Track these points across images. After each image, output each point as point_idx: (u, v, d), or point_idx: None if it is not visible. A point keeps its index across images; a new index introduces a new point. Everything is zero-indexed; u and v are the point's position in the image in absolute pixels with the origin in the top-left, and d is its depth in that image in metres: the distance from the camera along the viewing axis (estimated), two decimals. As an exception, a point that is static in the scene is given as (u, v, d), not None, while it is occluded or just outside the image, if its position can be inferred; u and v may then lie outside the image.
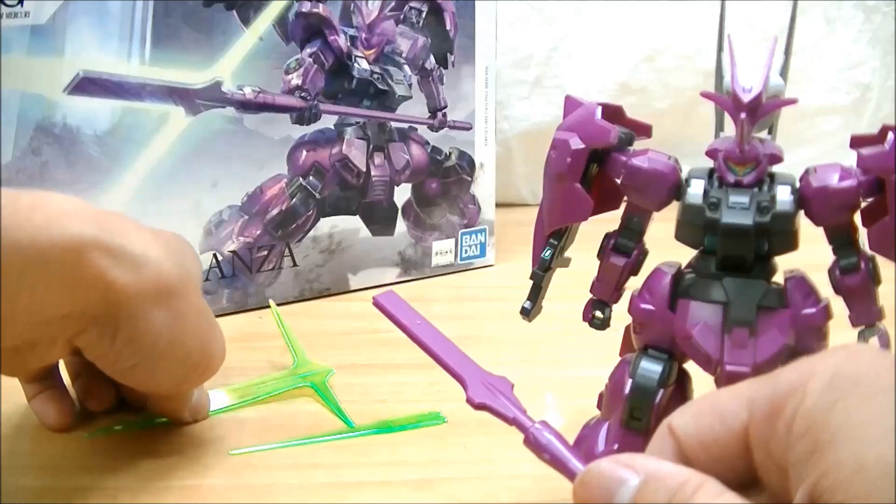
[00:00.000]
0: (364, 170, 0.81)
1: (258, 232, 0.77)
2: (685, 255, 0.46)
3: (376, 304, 0.46)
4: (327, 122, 0.79)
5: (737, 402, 0.35)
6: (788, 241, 0.44)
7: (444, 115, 0.84)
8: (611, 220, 0.47)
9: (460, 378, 0.45)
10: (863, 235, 0.45)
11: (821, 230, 0.45)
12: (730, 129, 0.44)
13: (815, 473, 0.31)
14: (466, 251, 0.87)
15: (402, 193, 0.83)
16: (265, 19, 0.75)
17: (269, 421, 0.59)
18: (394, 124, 0.82)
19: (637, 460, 0.34)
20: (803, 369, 0.33)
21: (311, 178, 0.79)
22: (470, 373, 0.45)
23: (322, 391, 0.62)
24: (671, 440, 0.36)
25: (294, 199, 0.78)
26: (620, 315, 0.47)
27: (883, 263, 0.45)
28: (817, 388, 0.32)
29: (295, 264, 0.79)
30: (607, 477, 0.34)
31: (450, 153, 0.85)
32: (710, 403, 0.36)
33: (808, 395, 0.32)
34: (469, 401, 0.44)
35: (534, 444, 0.42)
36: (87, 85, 0.69)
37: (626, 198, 0.47)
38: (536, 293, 0.49)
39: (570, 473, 0.40)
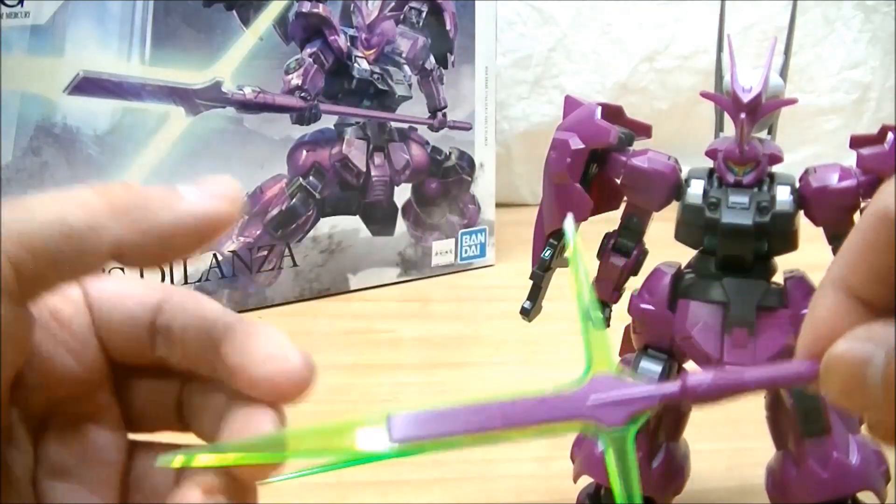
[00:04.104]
0: (364, 170, 0.81)
1: (258, 232, 0.77)
2: (685, 255, 0.46)
3: (399, 440, 0.29)
4: (327, 122, 0.79)
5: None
6: (788, 241, 0.44)
7: (444, 115, 0.84)
8: (611, 220, 0.47)
9: (570, 419, 0.30)
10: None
11: (821, 230, 0.45)
12: (730, 129, 0.44)
13: None
14: (466, 251, 0.87)
15: (402, 193, 0.83)
16: (265, 19, 0.75)
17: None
18: (394, 124, 0.82)
19: (874, 330, 0.28)
20: None
21: (311, 178, 0.79)
22: (570, 408, 0.30)
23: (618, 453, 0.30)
24: (890, 227, 0.28)
25: (294, 199, 0.78)
26: (620, 315, 0.47)
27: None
28: None
29: (295, 264, 0.79)
30: (849, 362, 0.28)
31: (450, 153, 0.85)
32: (855, 242, 0.29)
33: None
34: (612, 423, 0.30)
35: (708, 390, 0.30)
36: (87, 85, 0.69)
37: (626, 198, 0.47)
38: (536, 293, 0.49)
39: (788, 377, 0.31)
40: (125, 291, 0.32)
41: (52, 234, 0.27)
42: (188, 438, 0.32)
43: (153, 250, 0.28)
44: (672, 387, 0.30)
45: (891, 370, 0.27)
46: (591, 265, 0.48)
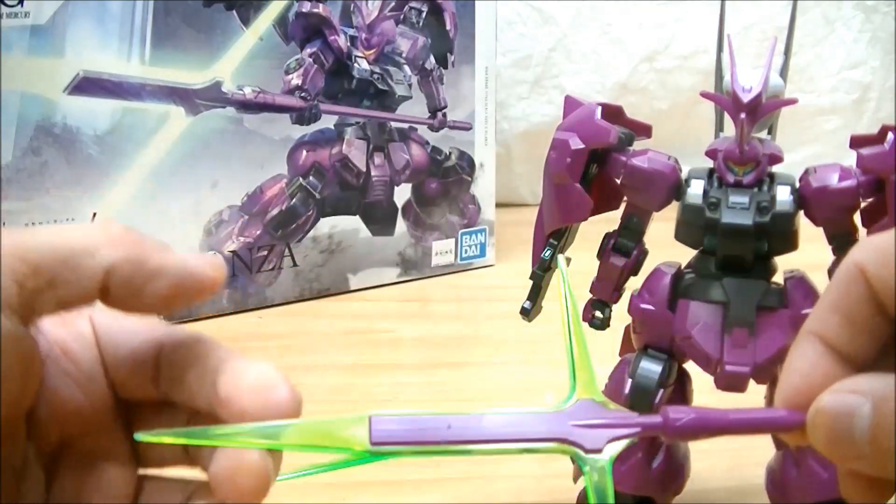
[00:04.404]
0: (364, 170, 0.81)
1: (258, 232, 0.77)
2: (685, 255, 0.46)
3: (377, 443, 0.30)
4: (327, 122, 0.79)
5: None
6: (788, 241, 0.44)
7: (444, 115, 0.84)
8: (611, 220, 0.47)
9: (551, 440, 0.31)
10: (863, 235, 0.45)
11: (821, 230, 0.45)
12: (730, 129, 0.44)
13: None
14: (466, 251, 0.87)
15: (402, 193, 0.83)
16: (265, 19, 0.75)
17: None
18: (394, 124, 0.82)
19: (859, 382, 0.29)
20: None
21: (311, 178, 0.79)
22: (552, 428, 0.31)
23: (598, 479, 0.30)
24: (862, 284, 0.29)
25: (294, 199, 0.78)
26: (620, 315, 0.47)
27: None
28: None
29: (295, 264, 0.79)
30: (836, 414, 0.29)
31: (450, 153, 0.85)
32: (830, 297, 0.30)
33: None
34: (592, 448, 0.31)
35: (689, 425, 0.30)
36: (87, 85, 0.69)
37: (626, 198, 0.47)
38: (536, 293, 0.49)
39: (771, 424, 0.31)
40: (131, 328, 0.33)
41: (52, 253, 0.28)
42: (196, 473, 0.32)
43: (138, 287, 0.29)
44: (654, 419, 0.30)
45: (878, 421, 0.28)
46: (592, 265, 0.48)
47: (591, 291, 0.48)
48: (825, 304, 0.31)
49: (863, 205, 0.44)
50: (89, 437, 0.32)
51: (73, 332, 0.32)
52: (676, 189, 0.45)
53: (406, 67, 0.82)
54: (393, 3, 0.80)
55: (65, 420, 0.31)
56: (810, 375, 0.30)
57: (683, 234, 0.45)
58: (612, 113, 0.46)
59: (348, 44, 0.78)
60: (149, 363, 0.32)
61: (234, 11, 0.73)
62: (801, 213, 0.44)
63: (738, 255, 0.43)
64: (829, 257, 0.45)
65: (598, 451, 0.30)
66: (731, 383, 0.44)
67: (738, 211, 0.43)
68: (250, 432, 0.29)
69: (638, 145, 0.46)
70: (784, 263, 0.45)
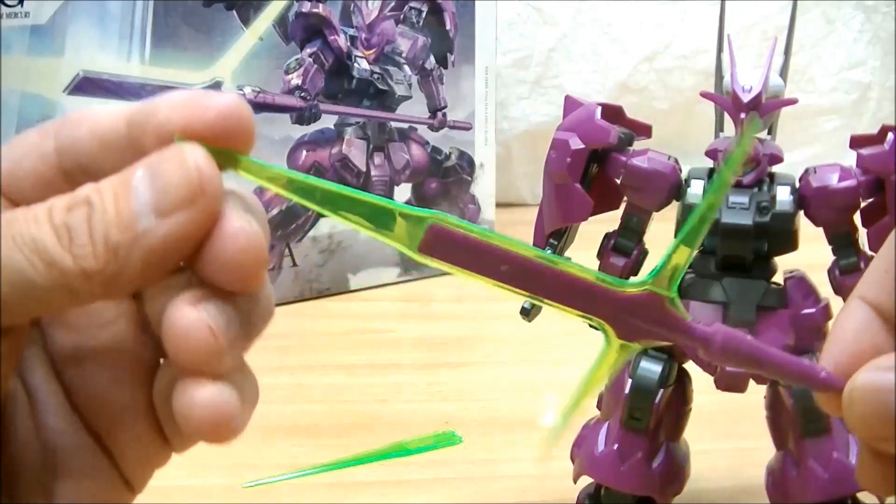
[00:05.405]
0: (364, 170, 0.81)
1: (258, 232, 0.77)
2: (685, 255, 0.46)
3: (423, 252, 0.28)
4: (327, 122, 0.79)
5: None
6: (788, 241, 0.44)
7: (444, 115, 0.84)
8: (611, 220, 0.47)
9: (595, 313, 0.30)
10: (863, 235, 0.45)
11: (821, 230, 0.45)
12: (730, 129, 0.44)
13: None
14: (466, 251, 0.87)
15: (402, 193, 0.83)
16: (265, 19, 0.75)
17: (267, 419, 0.59)
18: (394, 124, 0.82)
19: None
20: None
21: (311, 178, 0.79)
22: (605, 306, 0.30)
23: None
24: (864, 310, 0.30)
25: (294, 199, 0.78)
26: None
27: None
28: None
29: (295, 264, 0.79)
30: (872, 392, 0.29)
31: (450, 153, 0.85)
32: (881, 260, 0.31)
33: None
34: (623, 337, 0.30)
35: (734, 348, 0.30)
36: (87, 85, 0.69)
37: (625, 198, 0.47)
38: (536, 293, 0.49)
39: (808, 377, 0.30)
40: (21, 152, 0.30)
41: None
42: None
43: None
44: (707, 330, 0.30)
45: None
46: (592, 265, 0.48)
47: (591, 291, 0.48)
48: (875, 268, 0.31)
49: (863, 205, 0.44)
50: None
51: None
52: (676, 189, 0.45)
53: (406, 67, 0.82)
54: (393, 3, 0.80)
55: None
56: (857, 340, 0.30)
57: (683, 234, 0.45)
58: (612, 113, 0.46)
59: (348, 44, 0.78)
60: (56, 176, 0.30)
61: (234, 11, 0.73)
62: (801, 213, 0.44)
63: (738, 255, 0.43)
64: (829, 257, 0.45)
65: (628, 341, 0.30)
66: (731, 383, 0.44)
67: (737, 211, 0.43)
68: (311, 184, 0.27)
69: (638, 145, 0.46)
70: (784, 263, 0.45)
